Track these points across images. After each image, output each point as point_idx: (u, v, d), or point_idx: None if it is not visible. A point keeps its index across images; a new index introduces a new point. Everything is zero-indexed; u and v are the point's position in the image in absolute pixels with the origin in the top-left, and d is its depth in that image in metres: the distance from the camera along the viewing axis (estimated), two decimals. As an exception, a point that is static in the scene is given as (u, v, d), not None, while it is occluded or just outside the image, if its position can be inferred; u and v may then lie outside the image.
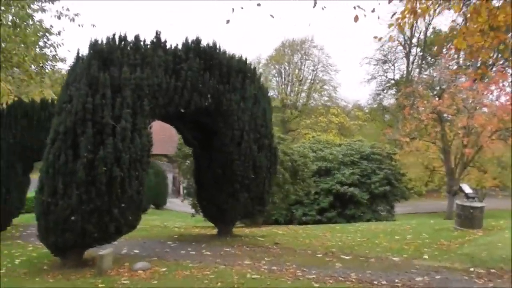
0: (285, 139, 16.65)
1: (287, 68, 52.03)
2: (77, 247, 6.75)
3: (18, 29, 11.69)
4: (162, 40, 8.50)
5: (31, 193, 21.93)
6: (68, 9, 12.78)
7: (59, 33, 13.10)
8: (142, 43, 8.08)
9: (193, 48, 8.93)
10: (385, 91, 47.62)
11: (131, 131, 7.02)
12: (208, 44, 9.16)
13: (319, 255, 7.40)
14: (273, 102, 48.35)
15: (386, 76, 46.77)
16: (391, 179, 22.35)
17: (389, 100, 46.77)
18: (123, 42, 7.65)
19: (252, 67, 9.75)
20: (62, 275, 6.34)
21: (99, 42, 7.36)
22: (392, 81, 46.31)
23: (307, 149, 23.78)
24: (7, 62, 10.55)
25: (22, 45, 10.94)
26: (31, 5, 12.50)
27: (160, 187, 27.65)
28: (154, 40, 8.29)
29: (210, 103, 8.97)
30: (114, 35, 7.63)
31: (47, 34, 12.43)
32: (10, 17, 11.09)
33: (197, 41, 9.04)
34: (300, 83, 52.23)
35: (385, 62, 46.03)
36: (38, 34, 12.15)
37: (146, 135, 7.26)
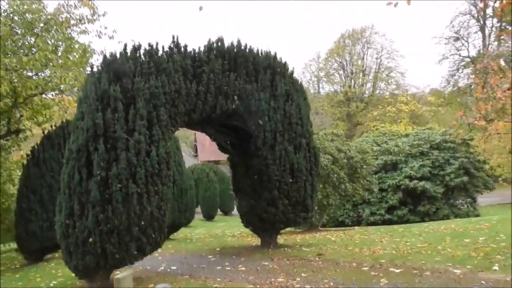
0: (339, 135, 15.48)
1: (348, 60, 49.92)
2: (101, 269, 6.47)
3: (59, 53, 11.99)
4: (182, 44, 8.09)
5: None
6: (106, 27, 12.96)
7: (101, 52, 13.31)
8: (160, 50, 7.72)
9: (216, 49, 8.39)
10: (459, 70, 43.54)
11: (148, 143, 6.62)
12: (232, 43, 8.57)
13: (364, 268, 6.41)
14: (336, 96, 47.08)
15: (460, 55, 42.71)
16: (469, 168, 20.04)
17: (465, 80, 42.80)
18: (137, 52, 7.31)
19: (282, 61, 8.95)
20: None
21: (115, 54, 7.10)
22: (467, 59, 42.20)
23: (370, 143, 22.26)
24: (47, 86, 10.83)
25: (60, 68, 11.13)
26: (74, 27, 12.82)
27: (226, 193, 27.72)
28: (171, 46, 7.87)
29: (238, 104, 8.35)
30: (126, 45, 7.31)
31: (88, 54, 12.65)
32: (51, 41, 11.35)
33: (219, 41, 8.48)
34: (364, 74, 49.89)
35: (457, 39, 42.00)
36: (84, 56, 12.42)
37: (163, 146, 6.80)
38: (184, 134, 55.03)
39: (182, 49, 8.00)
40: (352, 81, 50.18)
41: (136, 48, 7.34)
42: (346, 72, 50.57)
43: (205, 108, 7.89)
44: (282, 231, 11.30)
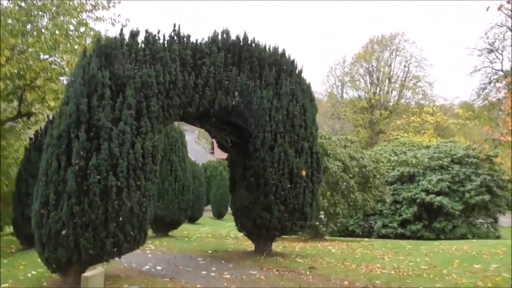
0: (354, 142, 14.81)
1: (375, 66, 48.70)
2: (74, 264, 6.10)
3: (71, 38, 11.79)
4: (185, 34, 7.68)
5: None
6: (119, 15, 12.71)
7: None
8: (161, 38, 7.33)
9: (221, 41, 7.95)
10: (491, 84, 41.76)
11: (135, 135, 6.22)
12: (237, 36, 8.11)
13: (356, 289, 5.83)
14: (360, 102, 46.01)
15: (493, 68, 40.93)
16: (492, 186, 18.98)
17: (496, 94, 41.04)
18: (134, 38, 6.92)
19: (290, 59, 8.42)
20: (47, 297, 5.73)
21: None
22: (501, 72, 40.40)
23: (389, 152, 21.43)
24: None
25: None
26: (89, 12, 12.62)
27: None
28: (172, 34, 7.47)
29: (238, 101, 7.89)
30: (122, 29, 6.94)
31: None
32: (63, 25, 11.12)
33: (225, 33, 8.04)
34: (390, 81, 48.57)
35: (491, 51, 40.18)
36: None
37: (150, 139, 6.38)
38: (203, 130, 54.85)
39: (185, 39, 7.61)
40: (378, 88, 48.90)
41: (133, 34, 6.97)
42: (372, 78, 49.34)
43: (202, 102, 7.45)
44: (284, 237, 10.81)
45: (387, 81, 48.69)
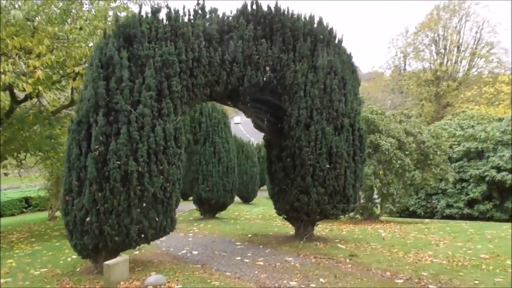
0: (410, 116, 13.60)
1: (442, 34, 45.07)
2: (102, 251, 6.01)
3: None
4: (212, 8, 7.21)
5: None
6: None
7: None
8: (186, 15, 6.93)
9: (250, 13, 7.38)
10: None
11: (156, 117, 5.92)
12: (268, 7, 7.48)
13: (398, 281, 5.16)
14: (424, 74, 43.02)
15: None
16: None
17: None
18: (155, 16, 6.57)
19: (327, 27, 7.65)
20: (72, 283, 5.68)
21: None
22: None
23: (454, 126, 19.68)
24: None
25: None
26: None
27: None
28: (196, 8, 7.03)
29: (270, 77, 7.32)
30: (141, 6, 6.63)
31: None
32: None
33: (254, 4, 7.45)
34: (459, 50, 44.76)
35: None
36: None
37: (173, 121, 6.05)
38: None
39: (212, 13, 7.14)
40: (445, 58, 45.34)
41: (154, 11, 6.61)
42: (437, 48, 45.81)
43: (230, 79, 6.99)
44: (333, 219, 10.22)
45: (455, 50, 44.99)
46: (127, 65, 5.92)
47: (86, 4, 11.76)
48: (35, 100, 13.64)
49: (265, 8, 7.50)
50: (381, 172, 11.90)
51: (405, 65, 50.67)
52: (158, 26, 6.41)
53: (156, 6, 6.73)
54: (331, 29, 7.69)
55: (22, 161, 14.90)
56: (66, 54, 10.47)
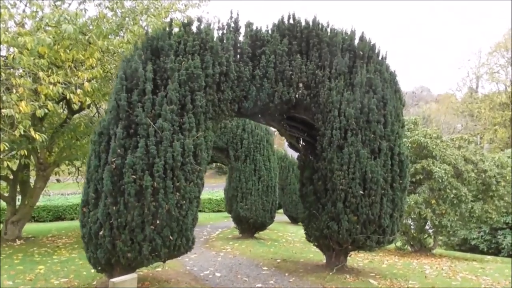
0: (471, 141, 12.39)
1: (520, 54, 41.60)
2: (116, 266, 5.86)
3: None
4: (248, 22, 7.02)
5: (202, 195, 23.70)
6: (208, 12, 12.62)
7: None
8: (217, 28, 6.79)
9: (286, 27, 7.07)
10: None
11: (176, 131, 5.74)
12: (306, 21, 7.13)
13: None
14: (498, 97, 39.92)
15: None
16: None
17: None
18: (185, 29, 6.47)
19: (369, 43, 7.11)
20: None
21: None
22: None
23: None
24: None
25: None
26: (179, 12, 12.79)
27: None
28: (228, 22, 6.85)
29: (303, 94, 6.91)
30: (171, 20, 6.56)
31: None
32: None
33: (291, 18, 7.14)
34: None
35: None
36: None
37: (193, 137, 5.83)
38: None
39: (247, 27, 6.93)
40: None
41: (185, 25, 6.52)
42: (515, 69, 42.34)
43: (260, 95, 6.68)
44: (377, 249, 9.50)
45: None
46: (151, 78, 5.83)
47: (141, 20, 12.14)
48: (94, 110, 14.29)
49: (303, 23, 7.16)
50: (433, 202, 10.87)
51: (477, 87, 47.51)
52: (187, 39, 6.29)
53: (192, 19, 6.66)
54: (373, 45, 7.14)
55: (79, 169, 15.60)
56: (115, 67, 10.79)
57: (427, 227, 12.03)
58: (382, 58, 7.22)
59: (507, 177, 11.96)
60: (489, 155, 12.77)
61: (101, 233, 5.56)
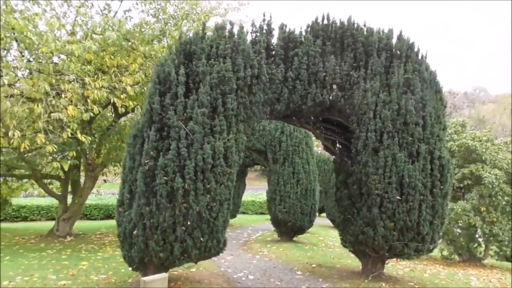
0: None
1: None
2: (150, 265, 6.01)
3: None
4: (283, 24, 6.98)
5: (245, 197, 23.77)
6: (247, 15, 12.67)
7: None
8: (250, 30, 6.81)
9: (320, 28, 6.96)
10: None
11: (207, 134, 5.81)
12: (341, 21, 6.98)
13: None
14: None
15: None
16: None
17: None
18: (218, 32, 6.53)
19: (407, 42, 6.82)
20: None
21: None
22: None
23: None
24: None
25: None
26: (219, 16, 12.97)
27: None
28: (261, 24, 6.83)
29: (337, 95, 6.76)
30: (204, 24, 6.65)
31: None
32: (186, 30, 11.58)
33: (325, 18, 7.02)
34: None
35: None
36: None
37: (224, 139, 5.86)
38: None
39: (282, 28, 6.89)
40: None
41: (218, 28, 6.58)
42: None
43: (292, 97, 6.62)
44: (425, 256, 9.14)
45: None
46: (184, 81, 5.94)
47: (183, 26, 12.42)
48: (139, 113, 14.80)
49: (337, 23, 7.01)
50: (483, 209, 10.23)
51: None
52: (219, 43, 6.35)
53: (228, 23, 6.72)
54: (412, 44, 6.85)
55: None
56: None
57: (477, 235, 11.35)
58: (421, 57, 6.91)
59: None
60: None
61: (135, 232, 5.72)
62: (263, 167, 19.26)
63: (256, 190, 32.80)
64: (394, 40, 6.93)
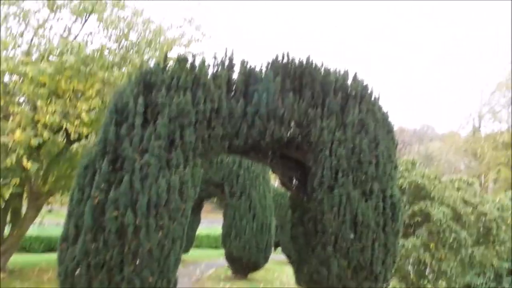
0: (472, 184, 12.18)
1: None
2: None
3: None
4: (244, 60, 7.04)
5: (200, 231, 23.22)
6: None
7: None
8: (212, 64, 6.81)
9: (281, 66, 7.09)
10: None
11: (163, 167, 5.64)
12: (300, 60, 7.16)
13: None
14: (501, 137, 39.78)
15: None
16: None
17: None
18: (181, 64, 6.49)
19: (362, 83, 7.10)
20: None
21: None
22: None
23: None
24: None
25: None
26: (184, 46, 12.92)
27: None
28: (223, 59, 6.87)
29: (295, 132, 6.83)
30: (166, 55, 6.61)
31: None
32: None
33: (285, 57, 7.17)
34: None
35: None
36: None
37: (180, 173, 5.72)
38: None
39: (239, 65, 6.95)
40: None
41: (180, 60, 6.55)
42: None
43: (251, 133, 6.60)
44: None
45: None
46: (142, 112, 5.80)
47: (145, 53, 12.27)
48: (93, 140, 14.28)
49: (297, 62, 7.19)
50: (432, 245, 10.57)
51: (480, 126, 47.53)
52: (180, 75, 6.30)
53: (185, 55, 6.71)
54: (366, 85, 7.12)
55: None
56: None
57: (427, 272, 11.63)
58: (375, 98, 7.19)
59: (508, 221, 11.66)
60: (489, 197, 12.50)
61: (77, 272, 5.36)
62: (219, 200, 19.04)
63: (211, 222, 32.15)
64: (350, 81, 7.18)
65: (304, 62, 7.12)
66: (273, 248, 13.37)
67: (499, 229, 11.36)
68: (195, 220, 16.78)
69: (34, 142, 9.28)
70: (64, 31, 11.23)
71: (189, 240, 16.48)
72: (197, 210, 16.49)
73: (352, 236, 6.34)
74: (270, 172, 12.24)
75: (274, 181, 23.90)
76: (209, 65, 6.66)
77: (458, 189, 11.74)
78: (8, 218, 12.67)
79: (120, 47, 11.72)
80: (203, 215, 18.90)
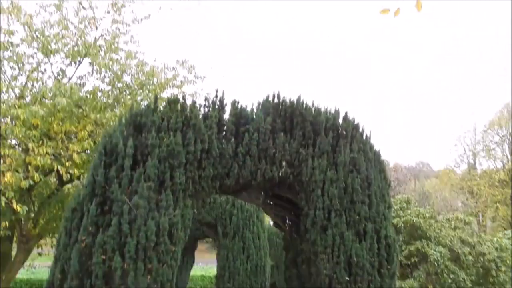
0: (469, 222, 12.06)
1: (514, 132, 42.29)
2: None
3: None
4: (235, 100, 7.13)
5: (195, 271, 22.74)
6: (202, 89, 12.98)
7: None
8: (203, 105, 6.89)
9: (271, 106, 7.18)
10: None
11: (152, 209, 5.56)
12: (290, 100, 7.26)
13: None
14: (496, 174, 39.87)
15: None
16: None
17: None
18: (171, 106, 6.56)
19: (352, 122, 7.17)
20: None
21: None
22: None
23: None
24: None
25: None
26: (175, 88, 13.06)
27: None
28: (214, 100, 6.96)
29: (287, 172, 6.81)
30: (156, 97, 6.68)
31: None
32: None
33: (276, 97, 7.28)
34: (537, 149, 41.37)
35: None
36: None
37: (170, 215, 5.64)
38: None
39: (230, 105, 7.02)
40: (519, 157, 41.99)
41: (170, 102, 6.62)
42: (511, 147, 42.78)
43: (242, 173, 6.57)
44: None
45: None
46: (131, 153, 5.79)
47: (138, 95, 12.39)
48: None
49: (287, 102, 7.28)
50: (430, 287, 10.31)
51: (475, 163, 47.66)
52: (171, 116, 6.34)
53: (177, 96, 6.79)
54: (357, 125, 7.18)
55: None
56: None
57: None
58: (366, 137, 7.23)
59: (507, 261, 11.45)
60: (488, 236, 12.35)
61: (62, 320, 5.16)
62: (213, 240, 18.68)
63: (206, 263, 31.48)
64: (341, 120, 7.25)
65: (295, 102, 7.22)
66: (268, 290, 13.00)
67: (499, 270, 11.13)
68: (189, 261, 16.40)
69: (25, 184, 9.18)
70: (58, 74, 11.38)
71: (183, 281, 16.08)
72: (190, 250, 16.14)
73: (347, 278, 6.18)
74: (264, 212, 12.11)
75: (269, 220, 23.64)
76: (200, 106, 6.74)
77: (455, 228, 11.61)
78: (-2, 262, 12.30)
79: (113, 89, 11.87)
80: (199, 255, 18.54)
